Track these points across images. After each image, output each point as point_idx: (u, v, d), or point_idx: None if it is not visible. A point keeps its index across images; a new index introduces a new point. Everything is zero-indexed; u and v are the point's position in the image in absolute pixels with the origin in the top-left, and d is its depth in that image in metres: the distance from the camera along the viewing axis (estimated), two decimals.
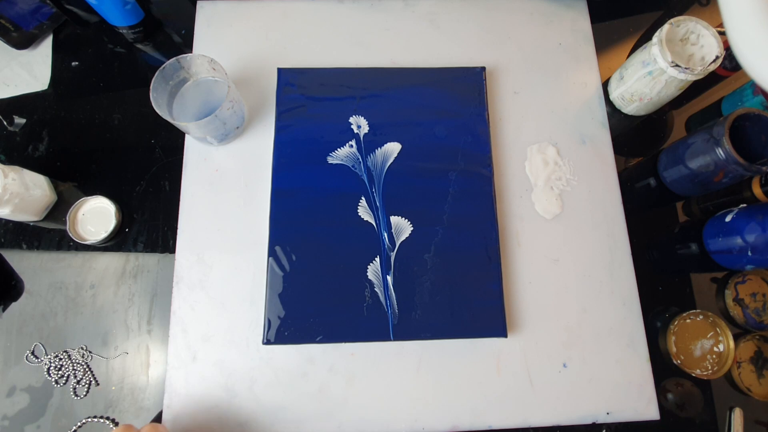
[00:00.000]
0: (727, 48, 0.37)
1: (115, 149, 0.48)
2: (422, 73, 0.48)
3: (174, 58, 0.42)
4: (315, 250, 0.43)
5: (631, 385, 0.42)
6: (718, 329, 0.43)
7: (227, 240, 0.44)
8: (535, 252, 0.45)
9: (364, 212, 0.44)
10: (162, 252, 0.45)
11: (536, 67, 0.51)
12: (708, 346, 0.43)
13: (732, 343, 0.42)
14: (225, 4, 0.52)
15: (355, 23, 0.52)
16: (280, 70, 0.48)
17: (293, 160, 0.45)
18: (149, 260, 0.45)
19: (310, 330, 0.41)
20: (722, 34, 0.39)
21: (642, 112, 0.50)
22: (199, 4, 0.52)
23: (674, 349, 0.42)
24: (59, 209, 0.46)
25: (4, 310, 0.43)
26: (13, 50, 0.50)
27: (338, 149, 0.45)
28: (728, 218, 0.43)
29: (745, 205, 0.44)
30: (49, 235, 0.45)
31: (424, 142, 0.46)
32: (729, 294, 0.45)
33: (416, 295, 0.42)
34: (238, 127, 0.46)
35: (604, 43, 0.53)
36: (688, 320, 0.43)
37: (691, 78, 0.42)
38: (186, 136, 0.47)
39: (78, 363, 0.42)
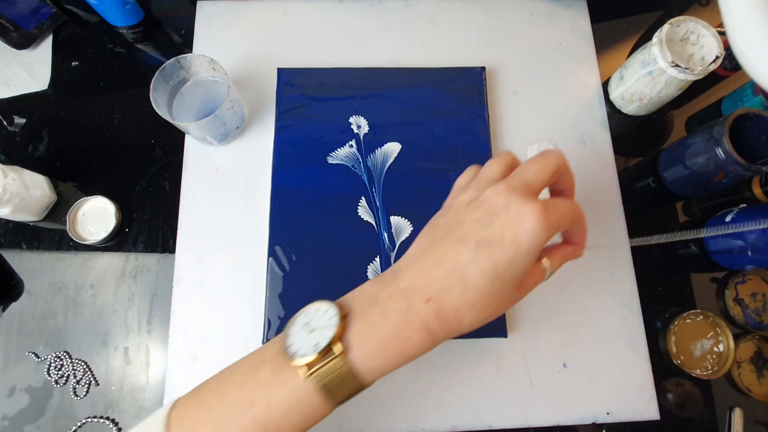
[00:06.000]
0: (727, 48, 0.37)
1: (115, 149, 0.48)
2: (422, 73, 0.48)
3: (174, 58, 0.42)
4: (315, 251, 0.42)
5: (631, 385, 0.42)
6: (718, 329, 0.43)
7: (227, 240, 0.44)
8: None
9: (364, 212, 0.44)
10: (162, 252, 0.45)
11: (536, 67, 0.51)
12: (708, 346, 0.43)
13: (732, 343, 0.42)
14: (225, 4, 0.52)
15: (355, 23, 0.52)
16: (280, 70, 0.48)
17: (293, 160, 0.45)
18: (149, 260, 0.45)
19: None
20: (722, 34, 0.39)
21: (642, 112, 0.50)
22: (199, 4, 0.52)
23: (674, 349, 0.42)
24: (59, 209, 0.46)
25: (4, 310, 0.43)
26: (13, 50, 0.50)
27: (338, 149, 0.45)
28: (728, 218, 0.43)
29: (745, 205, 0.44)
30: (49, 235, 0.45)
31: (424, 142, 0.46)
32: (729, 294, 0.45)
33: None
34: (238, 127, 0.46)
35: (604, 43, 0.53)
36: (688, 320, 0.43)
37: (691, 78, 0.42)
38: (186, 136, 0.47)
39: (78, 363, 0.42)
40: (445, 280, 0.26)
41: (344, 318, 0.26)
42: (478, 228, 0.26)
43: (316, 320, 0.26)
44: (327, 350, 0.25)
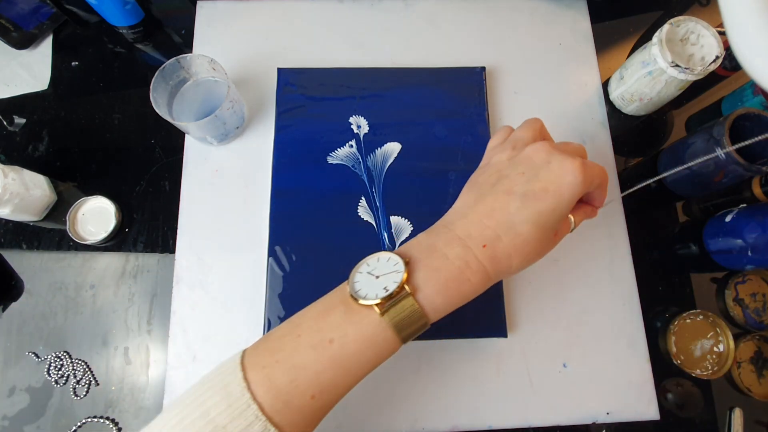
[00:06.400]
0: (727, 48, 0.37)
1: (115, 149, 0.48)
2: (422, 73, 0.48)
3: (174, 58, 0.42)
4: (315, 250, 0.42)
5: (631, 385, 0.42)
6: (718, 329, 0.43)
7: (227, 240, 0.44)
8: None
9: (364, 212, 0.44)
10: (162, 252, 0.45)
11: (536, 67, 0.51)
12: (708, 346, 0.43)
13: (732, 343, 0.42)
14: (225, 4, 0.52)
15: (355, 23, 0.52)
16: (280, 70, 0.48)
17: (293, 160, 0.45)
18: (149, 260, 0.45)
19: None
20: (722, 34, 0.39)
21: (642, 112, 0.50)
22: (199, 4, 0.52)
23: (674, 349, 0.42)
24: (59, 209, 0.46)
25: (4, 310, 0.43)
26: (13, 50, 0.50)
27: (338, 149, 0.45)
28: (728, 218, 0.43)
29: (745, 205, 0.44)
30: (49, 235, 0.45)
31: (424, 142, 0.46)
32: (729, 294, 0.45)
33: None
34: (238, 127, 0.46)
35: (604, 43, 0.53)
36: (688, 320, 0.43)
37: (691, 78, 0.42)
38: (186, 136, 0.47)
39: (78, 363, 0.42)
40: (496, 228, 0.29)
41: (406, 264, 0.28)
42: (523, 181, 0.29)
43: (380, 268, 0.29)
44: (397, 292, 0.27)
